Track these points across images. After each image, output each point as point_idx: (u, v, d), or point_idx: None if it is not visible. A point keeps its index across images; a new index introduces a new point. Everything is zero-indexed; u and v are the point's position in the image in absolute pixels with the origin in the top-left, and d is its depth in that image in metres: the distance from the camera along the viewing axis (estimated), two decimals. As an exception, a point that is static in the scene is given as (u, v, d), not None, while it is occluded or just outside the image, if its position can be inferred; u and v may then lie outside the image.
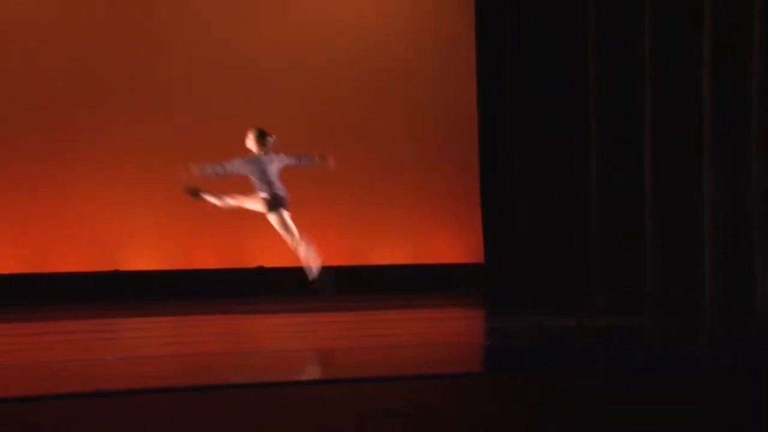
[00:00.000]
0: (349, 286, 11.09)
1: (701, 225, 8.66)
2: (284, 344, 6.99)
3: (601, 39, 10.30)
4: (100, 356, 6.17)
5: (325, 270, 8.00)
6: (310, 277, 8.06)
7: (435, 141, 11.73)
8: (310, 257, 8.03)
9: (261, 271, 11.17)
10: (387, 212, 11.55)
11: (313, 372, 5.79)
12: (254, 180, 7.95)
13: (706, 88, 8.52)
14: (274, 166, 8.02)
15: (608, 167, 10.24)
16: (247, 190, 8.05)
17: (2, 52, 10.59)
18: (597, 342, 6.54)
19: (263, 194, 7.94)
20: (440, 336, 7.36)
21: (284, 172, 8.04)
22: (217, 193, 8.05)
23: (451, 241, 11.69)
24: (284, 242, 11.31)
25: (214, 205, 8.09)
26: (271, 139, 8.08)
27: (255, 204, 8.02)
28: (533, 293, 10.64)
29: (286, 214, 7.99)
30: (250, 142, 8.06)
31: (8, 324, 8.25)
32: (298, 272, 11.15)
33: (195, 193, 8.02)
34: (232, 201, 8.08)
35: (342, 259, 11.43)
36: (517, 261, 11.21)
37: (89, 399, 4.53)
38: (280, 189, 8.02)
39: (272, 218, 8.01)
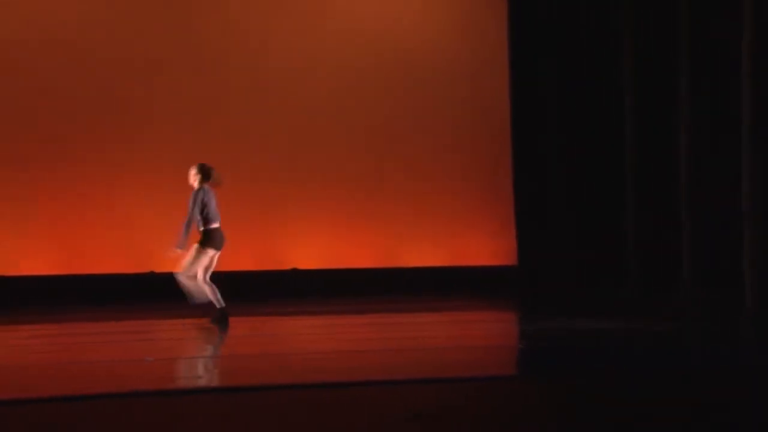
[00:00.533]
0: (383, 288, 11.16)
1: (740, 224, 8.52)
2: (317, 346, 7.02)
3: (636, 36, 10.20)
4: (139, 357, 6.26)
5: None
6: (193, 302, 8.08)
7: (468, 144, 11.74)
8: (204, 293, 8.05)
9: (295, 273, 11.25)
10: (420, 215, 11.57)
11: (344, 374, 5.82)
12: (213, 209, 8.02)
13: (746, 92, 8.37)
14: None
15: (643, 168, 10.16)
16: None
17: (48, 58, 10.77)
18: (633, 345, 6.49)
19: (216, 224, 7.96)
20: (473, 338, 7.35)
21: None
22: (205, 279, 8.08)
23: (484, 244, 11.68)
24: (317, 246, 11.44)
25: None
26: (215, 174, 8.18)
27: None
28: (567, 295, 10.58)
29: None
30: (199, 177, 8.11)
31: (48, 324, 8.38)
32: (331, 274, 11.26)
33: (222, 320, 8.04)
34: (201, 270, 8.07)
35: (375, 261, 11.48)
36: (550, 263, 11.17)
37: (127, 399, 4.60)
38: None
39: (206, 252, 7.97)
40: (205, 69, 11.20)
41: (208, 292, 7.99)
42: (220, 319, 7.99)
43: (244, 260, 11.15)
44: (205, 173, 8.13)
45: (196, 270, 7.99)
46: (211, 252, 7.98)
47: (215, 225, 7.98)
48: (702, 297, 9.12)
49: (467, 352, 6.40)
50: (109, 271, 10.69)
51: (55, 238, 10.62)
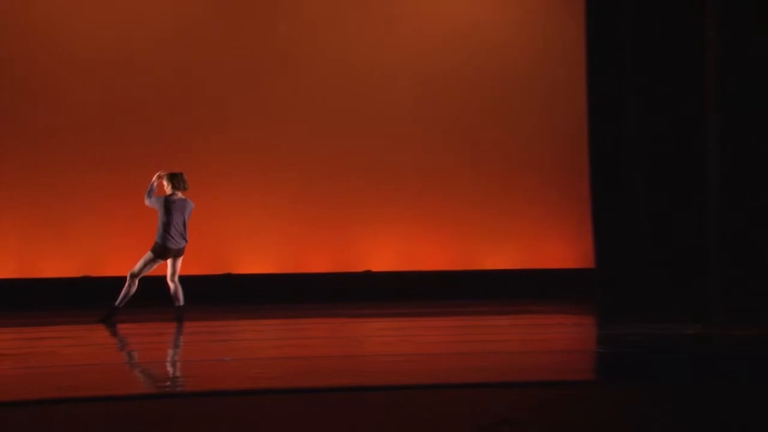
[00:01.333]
0: (457, 290, 11.10)
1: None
2: (392, 348, 7.01)
3: (722, 28, 9.87)
4: (217, 357, 6.35)
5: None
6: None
7: (546, 147, 11.60)
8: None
9: (369, 275, 11.27)
10: (497, 217, 11.47)
11: (420, 377, 5.78)
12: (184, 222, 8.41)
13: None
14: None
15: (728, 166, 9.84)
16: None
17: (117, 63, 11.05)
18: (714, 351, 6.30)
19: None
20: (550, 342, 7.24)
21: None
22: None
23: (561, 247, 11.52)
24: (391, 248, 11.45)
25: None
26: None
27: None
28: (646, 299, 10.34)
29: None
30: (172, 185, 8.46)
31: (131, 324, 8.57)
32: (405, 277, 11.25)
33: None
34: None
35: (450, 263, 11.42)
36: (628, 266, 10.93)
37: (205, 398, 4.66)
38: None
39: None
40: (282, 70, 11.32)
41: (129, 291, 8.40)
42: (109, 316, 8.34)
43: (319, 263, 11.23)
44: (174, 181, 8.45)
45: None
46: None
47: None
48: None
49: (544, 356, 6.31)
50: (187, 273, 10.89)
51: (136, 238, 10.87)
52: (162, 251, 8.33)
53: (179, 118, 11.14)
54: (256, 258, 11.15)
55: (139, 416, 4.30)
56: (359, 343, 7.70)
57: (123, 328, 8.26)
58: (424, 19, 11.54)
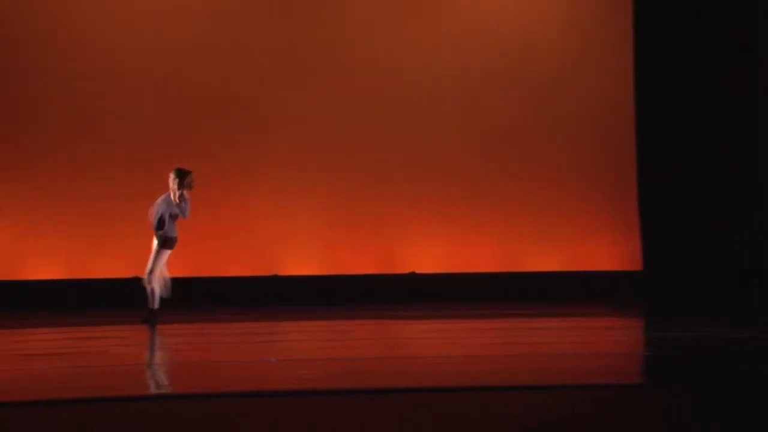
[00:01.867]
0: (503, 292, 11.04)
1: None
2: (437, 350, 7.00)
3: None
4: (264, 358, 6.41)
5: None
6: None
7: (591, 148, 11.48)
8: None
9: (413, 277, 11.28)
10: (543, 219, 11.39)
11: (466, 378, 5.77)
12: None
13: None
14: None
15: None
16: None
17: (159, 70, 11.20)
18: (762, 355, 6.18)
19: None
20: (597, 345, 7.17)
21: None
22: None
23: (608, 249, 11.39)
24: (436, 250, 11.43)
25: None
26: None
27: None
28: (694, 302, 10.18)
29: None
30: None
31: (179, 325, 8.68)
32: (450, 278, 11.23)
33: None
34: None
35: (495, 265, 11.37)
36: (676, 268, 10.76)
37: (249, 399, 4.71)
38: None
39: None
40: (327, 73, 11.37)
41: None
42: (149, 319, 8.40)
43: (364, 264, 11.26)
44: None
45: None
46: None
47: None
48: None
49: (591, 359, 6.25)
50: (234, 274, 11.01)
51: (189, 243, 11.02)
52: (173, 243, 8.57)
53: (219, 122, 11.23)
54: (301, 260, 11.22)
55: (183, 416, 4.36)
56: (403, 344, 7.71)
57: (170, 328, 8.37)
58: (466, 21, 11.49)
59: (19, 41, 11.08)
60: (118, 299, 10.54)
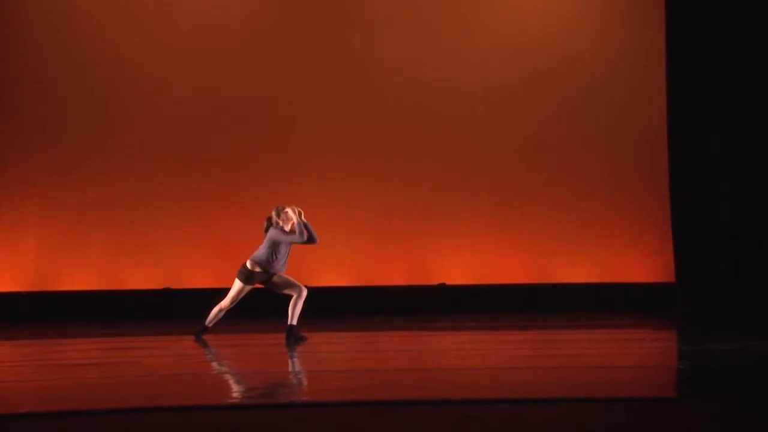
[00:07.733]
0: (534, 303, 10.98)
1: None
2: (468, 362, 6.98)
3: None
4: (293, 369, 6.42)
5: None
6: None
7: (624, 158, 11.41)
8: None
9: (443, 288, 11.26)
10: (574, 230, 11.33)
11: (497, 390, 5.75)
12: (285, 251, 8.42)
13: None
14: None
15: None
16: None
17: (200, 81, 11.34)
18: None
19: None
20: (630, 358, 7.11)
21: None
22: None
23: (640, 260, 11.30)
24: (466, 261, 11.41)
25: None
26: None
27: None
28: (729, 314, 10.05)
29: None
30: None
31: (214, 335, 8.73)
32: (480, 290, 11.20)
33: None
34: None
35: (526, 276, 11.32)
36: (711, 280, 10.62)
37: (281, 410, 4.73)
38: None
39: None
40: (356, 84, 11.44)
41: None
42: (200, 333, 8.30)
43: (394, 275, 11.27)
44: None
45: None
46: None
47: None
48: None
49: (624, 371, 6.20)
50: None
51: (215, 250, 11.11)
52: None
53: (254, 134, 11.38)
54: (331, 270, 11.26)
55: (216, 426, 4.38)
56: (434, 356, 7.69)
57: (205, 339, 8.43)
58: (500, 32, 11.50)
59: (57, 52, 11.33)
60: (151, 310, 10.66)
